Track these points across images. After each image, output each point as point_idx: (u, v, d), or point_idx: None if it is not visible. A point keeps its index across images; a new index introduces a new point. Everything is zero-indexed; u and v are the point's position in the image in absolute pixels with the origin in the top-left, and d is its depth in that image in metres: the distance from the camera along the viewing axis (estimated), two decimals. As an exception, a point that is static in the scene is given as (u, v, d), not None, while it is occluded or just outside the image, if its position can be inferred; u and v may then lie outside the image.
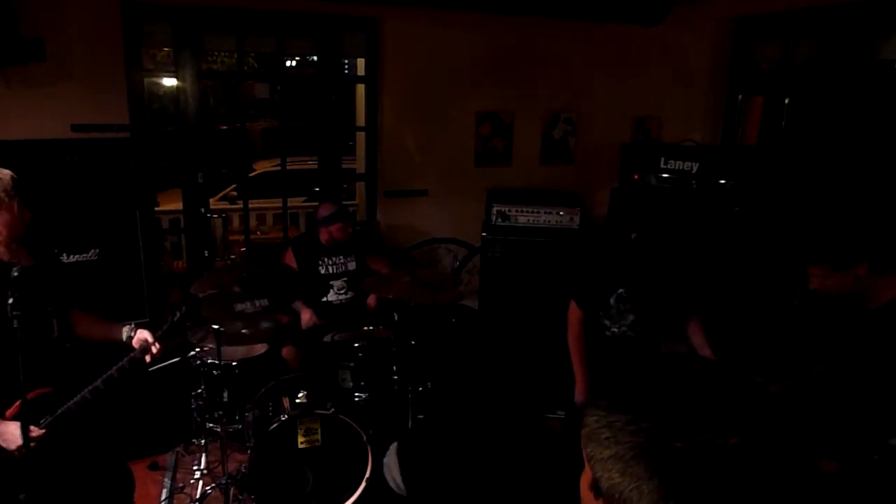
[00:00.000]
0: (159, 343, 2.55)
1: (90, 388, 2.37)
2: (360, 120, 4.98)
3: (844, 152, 4.26)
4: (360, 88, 4.92)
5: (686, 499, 0.73)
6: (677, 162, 4.46)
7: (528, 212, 4.71)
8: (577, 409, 3.13)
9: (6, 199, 2.29)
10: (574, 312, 3.16)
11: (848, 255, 2.33)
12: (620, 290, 3.06)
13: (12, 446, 2.16)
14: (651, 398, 0.82)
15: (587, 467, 0.83)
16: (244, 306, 3.31)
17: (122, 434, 3.12)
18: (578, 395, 3.13)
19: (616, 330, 3.12)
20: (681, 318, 3.16)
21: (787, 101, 4.84)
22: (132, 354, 2.49)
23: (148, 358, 2.54)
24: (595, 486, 0.82)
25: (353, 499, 3.16)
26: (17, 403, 2.22)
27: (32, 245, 2.45)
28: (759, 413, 0.80)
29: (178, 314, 2.68)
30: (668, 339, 3.29)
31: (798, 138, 4.75)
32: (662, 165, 4.52)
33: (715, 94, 5.23)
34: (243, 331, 3.39)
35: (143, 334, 2.58)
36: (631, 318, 3.09)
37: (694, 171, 4.39)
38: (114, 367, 2.42)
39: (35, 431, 2.19)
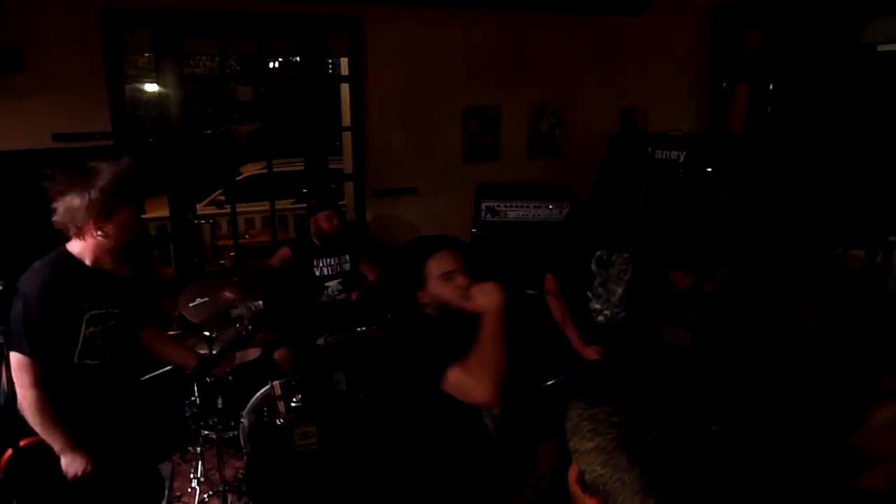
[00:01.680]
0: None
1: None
2: (346, 120, 4.96)
3: (829, 136, 4.28)
4: (345, 88, 4.90)
5: (667, 487, 0.73)
6: (664, 151, 4.47)
7: (517, 206, 4.71)
8: (574, 373, 3.03)
9: (121, 200, 2.18)
10: (549, 283, 3.03)
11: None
12: (599, 253, 2.95)
13: (72, 472, 2.19)
14: (630, 389, 0.82)
15: (573, 461, 0.83)
16: (240, 311, 3.30)
17: (153, 438, 3.12)
18: (578, 348, 3.00)
19: (608, 313, 3.03)
20: (666, 277, 3.05)
21: (771, 87, 4.86)
22: (199, 368, 2.72)
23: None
24: (581, 480, 0.82)
25: (352, 502, 3.15)
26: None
27: (133, 255, 2.40)
28: (739, 400, 0.81)
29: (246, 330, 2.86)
30: (666, 326, 3.28)
31: (783, 124, 4.78)
32: (650, 155, 4.53)
33: (700, 83, 5.24)
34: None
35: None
36: (619, 290, 2.99)
37: (681, 160, 4.40)
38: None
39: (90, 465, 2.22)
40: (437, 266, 2.04)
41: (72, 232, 2.20)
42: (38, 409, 2.12)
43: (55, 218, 2.17)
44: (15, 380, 2.09)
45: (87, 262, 2.24)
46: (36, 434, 2.17)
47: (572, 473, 0.85)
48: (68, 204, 2.13)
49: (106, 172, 2.16)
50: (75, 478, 2.19)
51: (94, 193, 2.12)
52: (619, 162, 3.02)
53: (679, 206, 4.32)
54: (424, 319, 2.08)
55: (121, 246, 2.26)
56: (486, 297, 1.97)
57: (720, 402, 0.79)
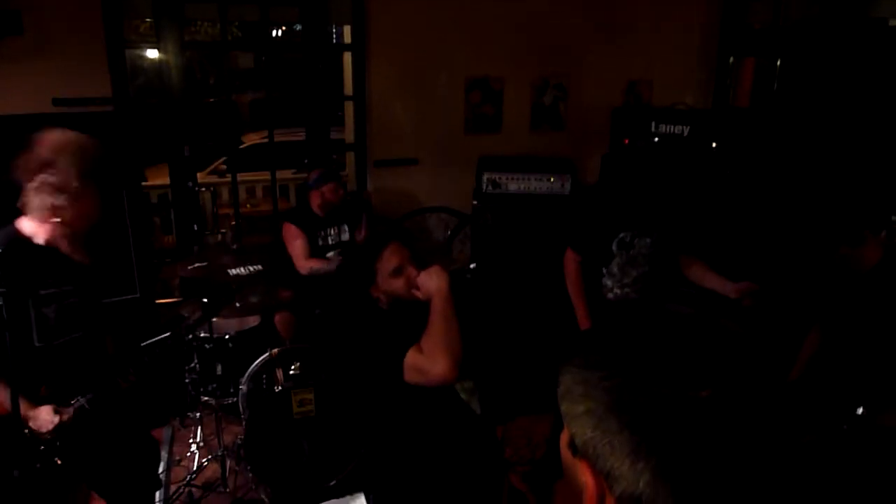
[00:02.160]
0: None
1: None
2: (349, 89, 4.91)
3: (838, 113, 4.22)
4: (348, 57, 4.84)
5: (657, 451, 0.73)
6: (668, 126, 4.43)
7: (518, 179, 4.68)
8: (578, 340, 3.06)
9: (86, 184, 2.09)
10: (570, 258, 3.06)
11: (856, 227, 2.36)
12: (623, 234, 2.96)
13: (43, 429, 2.14)
14: (623, 355, 0.82)
15: (565, 426, 0.83)
16: (238, 271, 3.31)
17: (146, 404, 3.14)
18: (582, 322, 3.02)
19: (618, 291, 3.03)
20: (682, 263, 3.06)
21: (779, 62, 4.79)
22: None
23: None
24: (572, 444, 0.82)
25: (349, 468, 3.19)
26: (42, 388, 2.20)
27: (90, 240, 2.30)
28: (733, 366, 0.81)
29: None
30: (672, 303, 3.28)
31: (791, 100, 4.71)
32: (653, 130, 4.49)
33: (707, 56, 5.17)
34: (236, 304, 3.39)
35: None
36: (634, 273, 3.00)
37: (685, 134, 4.36)
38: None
39: (64, 413, 2.16)
40: (386, 262, 2.11)
41: (27, 210, 2.11)
42: None
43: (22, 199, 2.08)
44: None
45: (39, 241, 2.15)
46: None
47: (564, 438, 0.85)
48: (31, 185, 2.06)
49: (67, 153, 2.06)
50: (53, 431, 2.13)
51: (52, 176, 2.03)
52: (645, 150, 3.04)
53: (691, 184, 4.29)
54: (378, 314, 2.12)
55: (78, 232, 2.19)
56: (432, 282, 2.04)
57: (713, 367, 0.79)
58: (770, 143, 4.32)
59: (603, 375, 0.80)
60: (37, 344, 2.18)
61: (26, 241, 2.14)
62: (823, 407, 2.25)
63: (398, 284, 2.11)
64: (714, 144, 4.30)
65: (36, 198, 2.07)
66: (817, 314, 2.73)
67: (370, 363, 2.04)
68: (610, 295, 3.05)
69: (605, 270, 3.04)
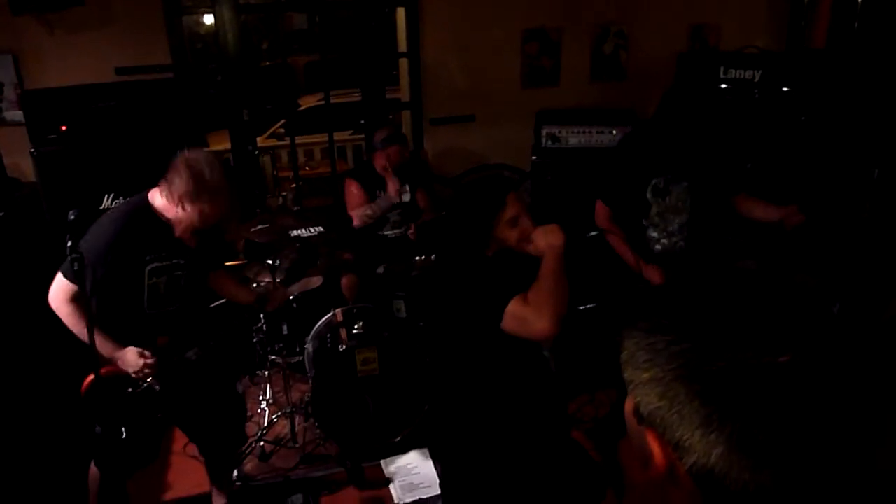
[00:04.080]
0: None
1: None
2: (402, 46, 4.84)
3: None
4: (401, 13, 4.76)
5: (731, 421, 0.68)
6: (738, 71, 4.19)
7: (579, 132, 4.55)
8: (610, 298, 2.97)
9: (210, 195, 2.27)
10: (601, 212, 2.94)
11: None
12: (656, 181, 2.83)
13: (130, 369, 2.31)
14: (692, 316, 0.77)
15: (629, 393, 0.79)
16: (299, 232, 3.35)
17: (231, 361, 3.28)
18: (637, 268, 2.86)
19: (665, 242, 2.92)
20: (729, 203, 2.93)
21: (860, -3, 4.45)
22: (255, 304, 2.86)
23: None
24: (637, 412, 0.78)
25: (413, 425, 3.24)
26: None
27: (208, 239, 2.52)
28: (815, 330, 0.74)
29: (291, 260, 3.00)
30: (738, 259, 3.15)
31: (871, 39, 4.39)
32: (722, 76, 4.26)
33: (779, -5, 4.86)
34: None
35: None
36: (676, 221, 2.88)
37: (756, 79, 4.12)
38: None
39: (150, 358, 2.32)
40: (506, 211, 2.05)
41: (163, 191, 2.30)
42: (75, 321, 2.25)
43: (166, 175, 2.29)
44: (52, 301, 2.27)
45: (163, 216, 2.33)
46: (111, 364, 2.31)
47: (628, 405, 0.81)
48: (175, 174, 2.26)
49: (201, 164, 2.28)
50: (141, 373, 2.30)
51: (191, 179, 2.24)
52: (686, 92, 2.84)
53: (753, 129, 4.08)
54: (483, 260, 2.08)
55: (195, 228, 2.35)
56: (547, 239, 2.00)
57: (792, 330, 0.73)
58: (848, 87, 4.05)
59: (670, 340, 0.75)
60: (146, 307, 2.37)
61: (152, 213, 2.33)
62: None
63: (511, 234, 2.06)
64: (786, 89, 4.06)
65: (174, 186, 2.27)
66: None
67: (470, 306, 2.02)
68: (657, 247, 2.93)
69: (645, 222, 2.91)
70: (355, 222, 3.77)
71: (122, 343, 2.30)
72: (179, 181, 2.24)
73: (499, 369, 2.11)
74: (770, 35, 5.01)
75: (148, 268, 2.33)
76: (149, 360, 2.30)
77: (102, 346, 2.22)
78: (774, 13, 5.00)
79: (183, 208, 2.28)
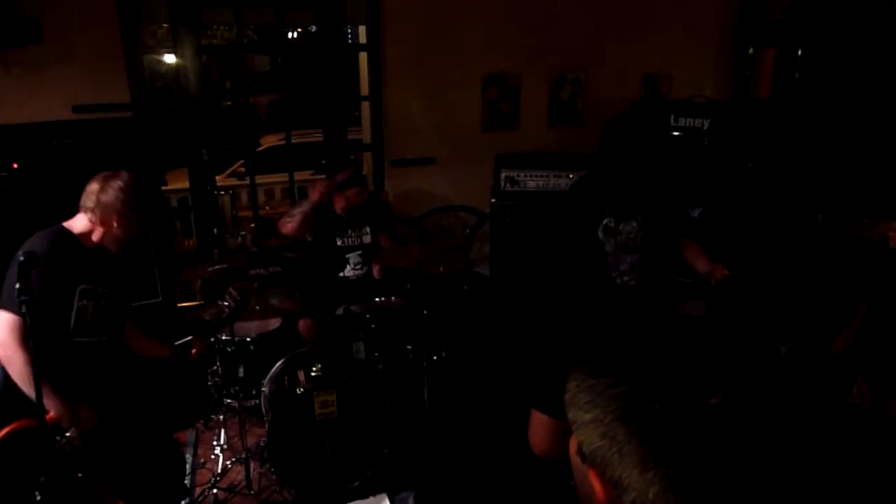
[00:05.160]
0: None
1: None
2: (365, 89, 4.91)
3: (861, 102, 4.15)
4: (363, 57, 4.84)
5: (666, 461, 0.71)
6: (688, 119, 4.37)
7: (537, 176, 4.65)
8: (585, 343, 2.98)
9: (131, 210, 2.40)
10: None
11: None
12: (607, 220, 2.89)
13: (82, 429, 2.24)
14: (630, 360, 0.80)
15: (573, 433, 0.82)
16: (257, 270, 3.33)
17: (167, 408, 3.21)
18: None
19: (618, 281, 2.96)
20: (674, 246, 3.00)
21: (800, 51, 4.71)
22: (172, 357, 2.73)
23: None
24: (581, 451, 0.81)
25: (372, 469, 3.19)
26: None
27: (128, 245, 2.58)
28: (745, 371, 0.78)
29: (226, 311, 2.87)
30: (680, 298, 3.23)
31: (812, 89, 4.64)
32: (673, 123, 4.44)
33: (726, 48, 5.11)
34: (255, 307, 3.40)
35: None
36: (629, 259, 2.94)
37: (705, 127, 4.30)
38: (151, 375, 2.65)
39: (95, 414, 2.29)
40: None
41: (88, 216, 2.38)
42: (28, 371, 2.12)
43: (86, 202, 2.38)
44: (2, 342, 2.16)
45: (87, 241, 2.40)
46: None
47: (573, 445, 0.85)
48: (103, 195, 2.37)
49: (128, 180, 2.42)
50: (83, 433, 2.22)
51: (125, 195, 2.38)
52: (625, 129, 2.93)
53: (701, 175, 4.24)
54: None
55: (122, 241, 2.49)
56: None
57: (724, 373, 0.76)
58: (792, 134, 4.25)
59: (610, 383, 0.79)
60: (72, 332, 2.32)
61: (75, 238, 2.38)
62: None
63: None
64: (735, 137, 4.23)
65: (102, 206, 2.38)
66: (859, 298, 2.66)
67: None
68: (618, 281, 2.98)
69: (599, 261, 2.96)
70: (280, 230, 3.85)
71: (49, 378, 2.17)
72: (110, 200, 2.35)
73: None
74: (718, 85, 5.25)
75: (79, 287, 2.34)
76: (93, 421, 2.25)
77: (46, 397, 2.09)
78: (722, 64, 5.24)
79: (114, 224, 2.38)
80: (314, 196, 3.81)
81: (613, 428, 0.75)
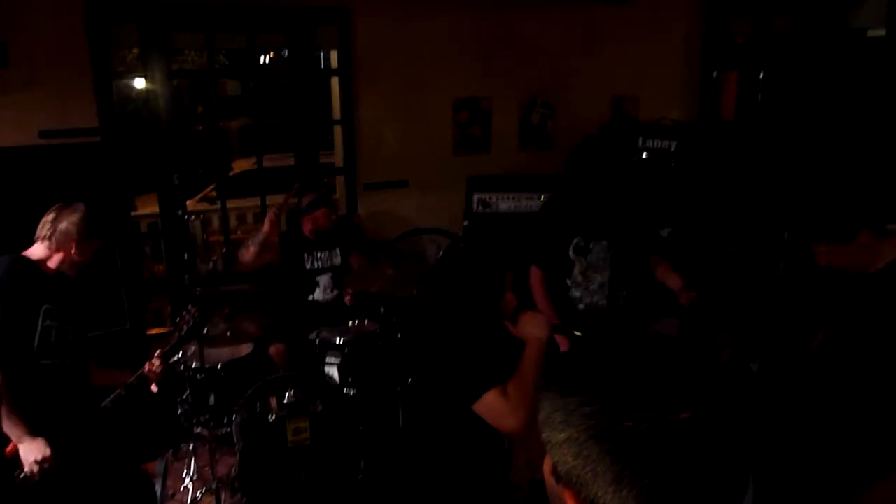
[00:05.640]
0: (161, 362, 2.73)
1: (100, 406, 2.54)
2: (337, 114, 4.92)
3: (821, 123, 4.27)
4: (335, 81, 4.86)
5: (639, 478, 0.71)
6: (656, 140, 4.46)
7: (509, 198, 4.69)
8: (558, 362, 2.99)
9: (87, 237, 2.48)
10: (535, 275, 2.98)
11: (849, 226, 2.29)
12: (577, 240, 2.92)
13: (31, 457, 2.21)
14: (601, 378, 0.81)
15: (547, 453, 0.83)
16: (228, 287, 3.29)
17: (134, 437, 3.15)
18: (560, 341, 2.84)
19: (588, 300, 3.00)
20: (644, 265, 3.05)
21: (761, 74, 4.85)
22: (131, 380, 2.64)
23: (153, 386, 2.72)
24: (555, 472, 0.81)
25: (346, 497, 3.14)
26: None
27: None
28: (712, 387, 0.79)
29: (183, 329, 2.85)
30: (652, 317, 3.26)
31: (774, 111, 4.76)
32: (641, 145, 4.52)
33: (691, 71, 5.22)
34: (227, 333, 3.37)
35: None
36: (598, 279, 2.97)
37: (672, 149, 4.39)
38: (109, 399, 2.56)
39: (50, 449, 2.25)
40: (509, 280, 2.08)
41: (46, 244, 2.44)
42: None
43: (42, 231, 2.45)
44: None
45: (46, 267, 2.45)
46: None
47: (547, 465, 0.85)
48: (59, 223, 2.44)
49: (84, 209, 2.52)
50: (37, 466, 2.21)
51: (81, 222, 2.46)
52: (593, 152, 2.98)
53: (669, 195, 4.31)
54: (493, 329, 2.06)
55: (84, 263, 2.54)
56: (534, 329, 1.99)
57: (694, 389, 0.77)
58: (756, 154, 4.36)
59: (581, 401, 0.79)
60: (36, 352, 2.32)
61: (34, 264, 2.43)
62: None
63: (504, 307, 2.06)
64: (701, 157, 4.32)
65: (61, 234, 2.46)
66: (821, 318, 2.70)
67: (451, 377, 1.97)
68: (581, 306, 3.01)
69: (569, 281, 2.99)
70: (239, 259, 3.78)
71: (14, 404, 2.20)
72: (66, 227, 2.43)
73: (456, 436, 2.08)
74: (684, 107, 5.36)
75: (43, 307, 2.38)
76: (48, 455, 2.22)
77: (10, 423, 2.11)
78: (687, 86, 5.35)
79: (72, 250, 2.44)
80: (266, 227, 3.72)
81: (587, 447, 0.75)
